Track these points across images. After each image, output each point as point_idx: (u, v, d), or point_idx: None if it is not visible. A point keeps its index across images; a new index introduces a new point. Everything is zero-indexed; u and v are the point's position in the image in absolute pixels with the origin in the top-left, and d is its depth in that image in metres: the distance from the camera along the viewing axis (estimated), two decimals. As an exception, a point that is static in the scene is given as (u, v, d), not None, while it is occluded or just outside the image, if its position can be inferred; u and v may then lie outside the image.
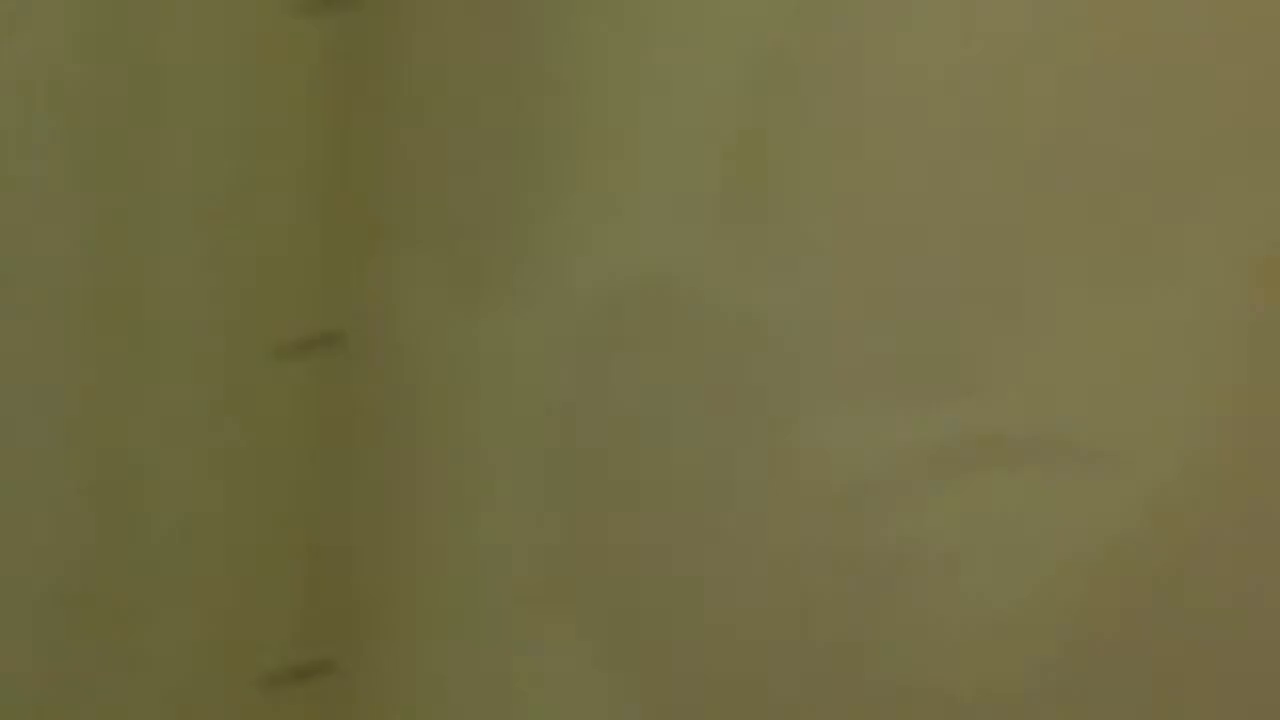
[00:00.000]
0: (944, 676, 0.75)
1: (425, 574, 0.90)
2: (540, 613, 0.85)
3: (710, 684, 0.81)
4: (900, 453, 0.75)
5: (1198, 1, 0.68)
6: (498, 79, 0.85)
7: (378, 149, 0.90)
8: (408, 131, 0.89)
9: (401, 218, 0.90)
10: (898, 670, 0.76)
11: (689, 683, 0.81)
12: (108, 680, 0.88)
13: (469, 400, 0.88)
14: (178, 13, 0.86)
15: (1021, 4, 0.71)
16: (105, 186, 0.85)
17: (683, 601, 0.81)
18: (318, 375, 0.91)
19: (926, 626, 0.75)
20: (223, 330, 0.89)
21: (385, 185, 0.90)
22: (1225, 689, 0.70)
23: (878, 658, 0.77)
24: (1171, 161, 0.69)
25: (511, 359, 0.86)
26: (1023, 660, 0.73)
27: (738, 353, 0.79)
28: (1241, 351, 0.69)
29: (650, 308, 0.81)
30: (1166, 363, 0.70)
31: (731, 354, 0.79)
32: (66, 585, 0.87)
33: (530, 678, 0.86)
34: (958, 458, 0.74)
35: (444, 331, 0.88)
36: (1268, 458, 0.68)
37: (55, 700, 0.87)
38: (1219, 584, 0.69)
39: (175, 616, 0.90)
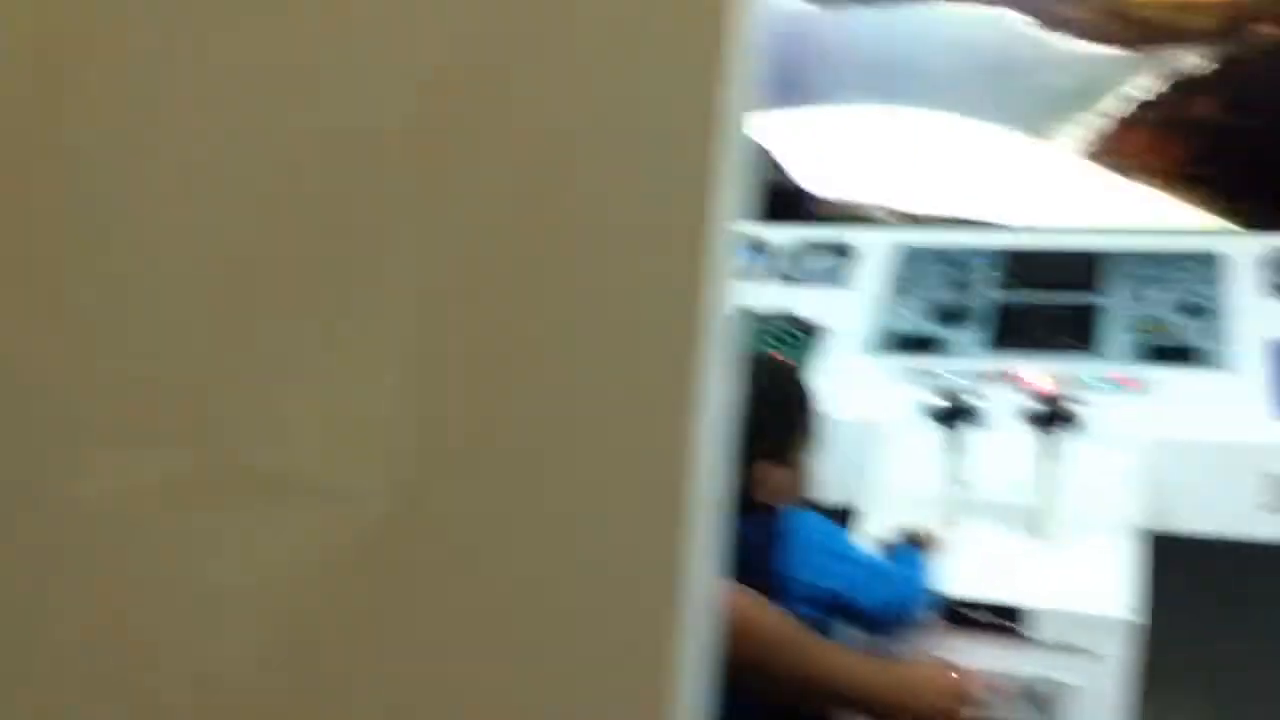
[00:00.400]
0: (168, 693, 0.80)
1: None
2: None
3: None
4: (144, 489, 0.79)
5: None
6: None
7: None
8: None
9: None
10: (128, 688, 0.81)
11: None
12: None
13: None
14: None
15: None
16: None
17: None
18: None
19: (161, 649, 0.80)
20: None
21: None
22: (431, 704, 0.77)
23: (114, 675, 0.81)
24: (360, 219, 0.75)
25: None
26: (239, 680, 0.79)
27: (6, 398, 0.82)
28: (430, 391, 0.75)
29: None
30: (371, 403, 0.76)
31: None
32: None
33: None
34: (194, 493, 0.78)
35: None
36: (456, 487, 0.75)
37: None
38: (418, 606, 0.76)
39: None
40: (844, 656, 1.59)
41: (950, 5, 2.79)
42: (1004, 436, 1.78)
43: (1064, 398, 1.73)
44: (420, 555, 0.75)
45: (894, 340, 2.36)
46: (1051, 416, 1.71)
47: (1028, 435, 1.74)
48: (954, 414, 1.77)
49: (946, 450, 1.79)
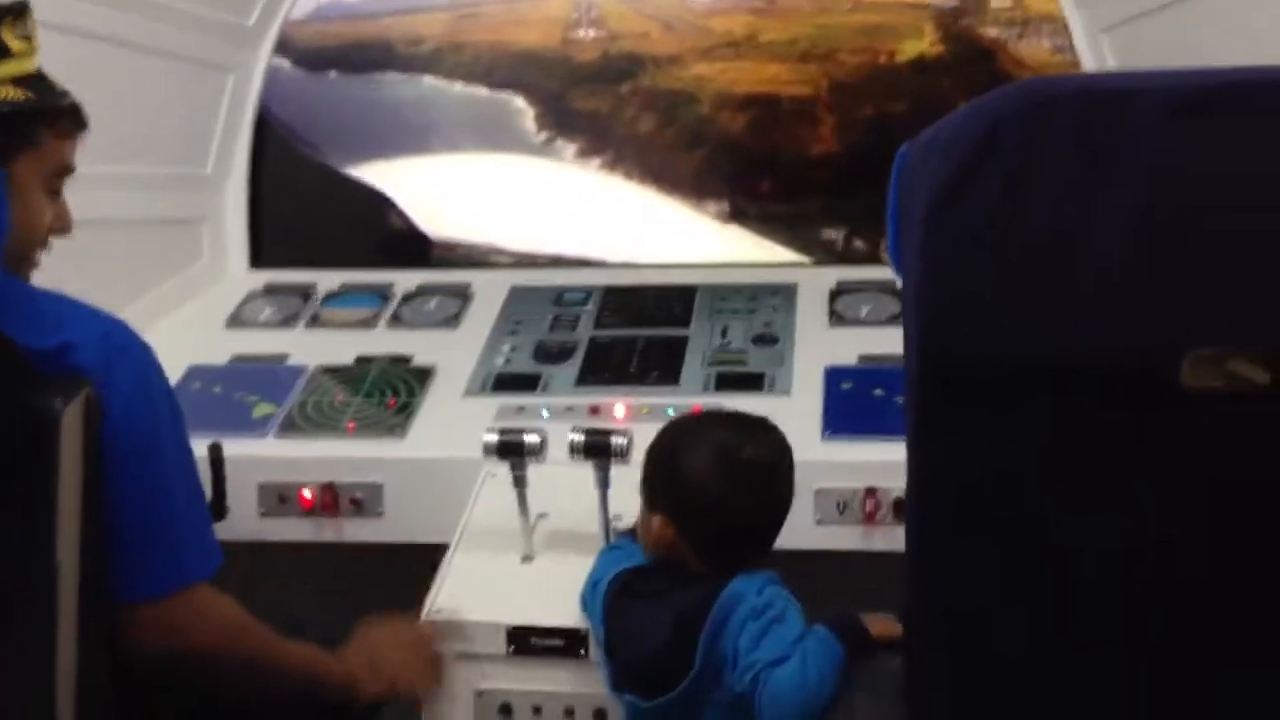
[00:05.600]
0: None
1: None
2: None
3: None
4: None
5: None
6: None
7: None
8: None
9: None
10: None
11: None
12: None
13: None
14: None
15: None
16: None
17: None
18: None
19: None
20: None
21: None
22: None
23: None
24: None
25: None
26: None
27: None
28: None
29: None
30: None
31: None
32: None
33: None
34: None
35: None
36: None
37: None
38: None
39: None
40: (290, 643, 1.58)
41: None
42: (569, 469, 1.87)
43: (616, 432, 1.82)
44: None
45: (499, 380, 2.44)
46: (605, 449, 1.81)
47: (588, 467, 1.83)
48: (513, 449, 1.84)
49: (516, 485, 1.88)
